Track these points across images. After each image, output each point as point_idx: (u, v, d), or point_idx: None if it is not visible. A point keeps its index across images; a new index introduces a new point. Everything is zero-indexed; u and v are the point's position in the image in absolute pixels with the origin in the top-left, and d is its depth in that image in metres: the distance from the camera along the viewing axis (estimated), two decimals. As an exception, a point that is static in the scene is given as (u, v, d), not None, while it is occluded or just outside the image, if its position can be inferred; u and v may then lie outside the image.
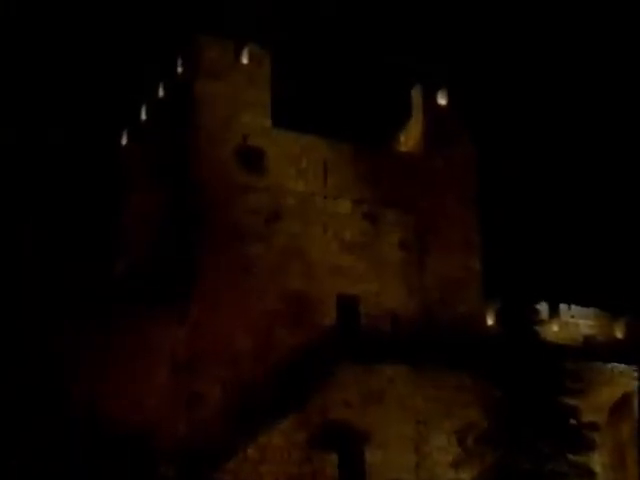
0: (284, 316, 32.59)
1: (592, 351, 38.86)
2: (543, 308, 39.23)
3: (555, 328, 40.83)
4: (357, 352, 31.32)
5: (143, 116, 37.02)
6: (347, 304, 34.05)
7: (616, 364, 36.67)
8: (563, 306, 42.49)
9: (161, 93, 35.64)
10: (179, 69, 34.73)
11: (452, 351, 32.18)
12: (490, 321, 37.60)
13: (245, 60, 34.83)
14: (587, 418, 31.11)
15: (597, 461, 33.96)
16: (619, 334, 42.74)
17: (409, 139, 39.39)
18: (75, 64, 45.31)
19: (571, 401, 30.44)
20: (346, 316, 34.10)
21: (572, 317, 42.57)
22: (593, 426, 31.22)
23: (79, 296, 29.22)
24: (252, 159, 33.44)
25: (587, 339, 41.98)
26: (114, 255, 37.08)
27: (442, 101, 39.01)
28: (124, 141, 38.51)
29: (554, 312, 41.61)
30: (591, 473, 30.59)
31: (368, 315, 34.31)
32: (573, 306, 42.76)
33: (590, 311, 43.12)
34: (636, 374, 37.30)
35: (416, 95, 39.29)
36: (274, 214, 33.09)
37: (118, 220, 37.54)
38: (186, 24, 40.41)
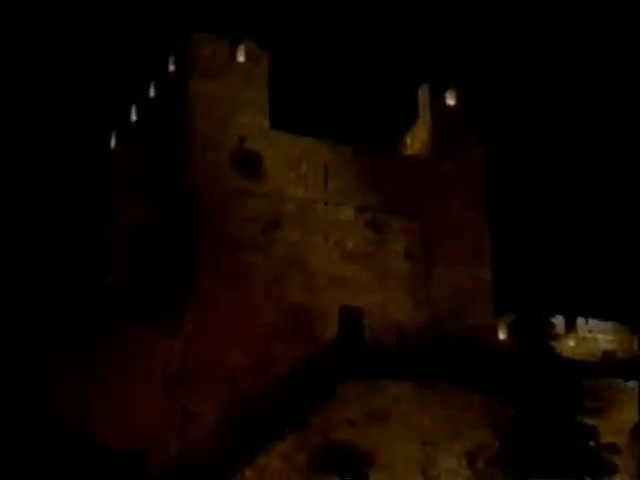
0: (283, 329, 32.54)
1: (611, 368, 38.83)
2: (559, 322, 39.27)
3: (572, 343, 40.87)
4: (360, 368, 31.22)
5: (133, 117, 37.14)
6: (350, 317, 34.06)
7: (637, 382, 36.66)
8: (580, 320, 42.49)
9: (152, 93, 35.67)
10: (172, 67, 34.83)
11: (461, 367, 32.10)
12: (502, 335, 37.75)
13: (241, 58, 34.92)
14: (607, 440, 31.09)
15: (617, 486, 34.53)
16: (640, 349, 42.99)
17: (415, 141, 39.48)
18: (61, 61, 45.55)
19: (589, 421, 30.42)
20: (349, 330, 34.13)
21: (590, 331, 42.59)
22: (613, 448, 31.16)
23: (67, 308, 29.36)
24: (249, 163, 33.57)
25: (606, 355, 42.01)
26: (103, 265, 37.35)
27: (450, 101, 39.09)
28: (113, 143, 38.66)
29: (571, 326, 41.62)
30: (611, 499, 30.68)
31: (372, 328, 34.34)
32: (591, 320, 42.76)
33: (609, 325, 43.13)
34: (659, 392, 37.76)
35: (423, 95, 39.36)
36: (272, 222, 33.10)
37: (107, 228, 37.73)
38: (179, 20, 40.80)
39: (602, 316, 42.68)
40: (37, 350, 28.13)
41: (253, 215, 32.92)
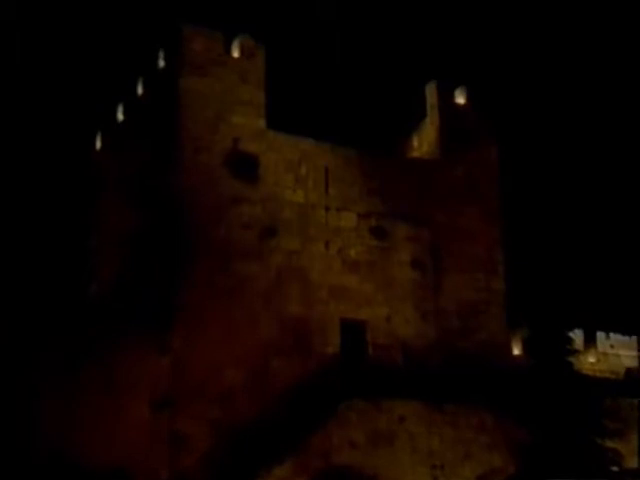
0: (281, 345, 32.46)
1: (635, 386, 38.84)
2: (578, 336, 39.21)
3: (592, 359, 40.81)
4: (364, 386, 31.16)
5: (119, 117, 37.22)
6: (352, 331, 34.00)
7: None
8: (601, 334, 42.46)
9: (140, 91, 35.60)
10: (161, 63, 34.98)
11: (472, 385, 32.03)
12: (516, 351, 37.60)
13: (236, 54, 35.03)
14: (630, 464, 31.04)
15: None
16: (665, 366, 42.89)
17: (422, 143, 39.53)
18: (41, 55, 45.41)
19: (611, 444, 30.33)
20: (351, 345, 34.06)
21: (611, 347, 42.52)
22: (638, 474, 31.04)
23: (47, 322, 28.98)
24: (244, 166, 33.58)
25: (629, 372, 41.98)
26: (86, 276, 37.23)
27: (460, 99, 39.20)
28: (98, 145, 38.54)
29: (590, 341, 41.52)
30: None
31: (376, 344, 34.31)
32: (612, 334, 42.75)
33: (632, 340, 43.12)
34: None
35: (431, 93, 39.42)
36: (269, 229, 32.97)
37: (90, 236, 37.44)
38: (169, 12, 40.71)
39: (624, 330, 42.69)
40: (15, 367, 28.09)
41: (248, 222, 32.81)
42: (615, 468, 30.23)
